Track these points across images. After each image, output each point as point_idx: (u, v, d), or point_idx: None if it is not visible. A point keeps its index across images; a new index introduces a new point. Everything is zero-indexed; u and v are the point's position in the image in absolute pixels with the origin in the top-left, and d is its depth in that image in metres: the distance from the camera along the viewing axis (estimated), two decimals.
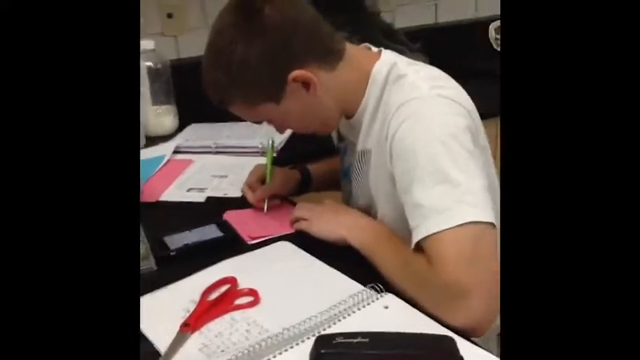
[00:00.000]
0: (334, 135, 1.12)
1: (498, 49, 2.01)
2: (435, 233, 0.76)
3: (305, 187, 1.18)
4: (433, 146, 0.79)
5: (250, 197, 1.10)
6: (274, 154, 1.16)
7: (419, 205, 0.78)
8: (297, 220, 1.00)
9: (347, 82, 0.92)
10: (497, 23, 2.05)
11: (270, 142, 1.14)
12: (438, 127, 0.81)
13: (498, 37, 2.01)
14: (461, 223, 0.74)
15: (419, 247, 0.79)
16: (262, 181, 1.12)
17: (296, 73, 0.87)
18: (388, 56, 0.94)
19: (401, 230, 0.85)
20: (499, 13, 2.12)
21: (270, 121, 0.96)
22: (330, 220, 0.95)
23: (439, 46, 1.71)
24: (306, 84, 0.89)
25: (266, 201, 1.09)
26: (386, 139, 0.86)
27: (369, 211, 0.98)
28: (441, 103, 0.84)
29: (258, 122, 0.98)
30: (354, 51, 0.94)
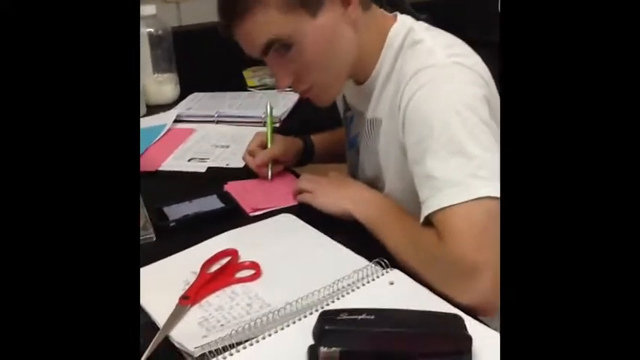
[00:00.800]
0: (340, 105, 1.09)
1: None
2: (446, 207, 0.73)
3: (308, 157, 1.16)
4: (449, 116, 0.76)
5: (251, 163, 1.08)
6: (277, 124, 1.13)
7: (431, 177, 0.76)
8: (300, 191, 0.98)
9: (367, 39, 0.88)
10: None
11: (269, 108, 1.12)
12: (455, 96, 0.78)
13: None
14: (474, 197, 0.72)
15: (428, 222, 0.76)
16: (263, 148, 1.09)
17: None
18: (405, 20, 0.90)
19: (409, 203, 0.83)
20: None
21: (287, 45, 0.83)
22: (334, 193, 0.93)
23: (445, 18, 1.68)
24: (345, 2, 0.84)
25: (269, 166, 1.06)
26: (399, 108, 0.83)
27: (375, 183, 0.95)
28: (459, 72, 0.81)
29: (266, 52, 0.85)
30: (375, 9, 0.90)
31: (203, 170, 1.16)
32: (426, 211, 0.76)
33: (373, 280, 0.75)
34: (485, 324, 0.69)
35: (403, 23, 0.89)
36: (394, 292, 0.73)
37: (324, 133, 1.19)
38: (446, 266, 0.72)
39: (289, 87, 0.91)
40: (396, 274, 0.76)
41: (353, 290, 0.73)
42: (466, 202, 0.72)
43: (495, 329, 0.68)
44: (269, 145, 1.08)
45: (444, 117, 0.77)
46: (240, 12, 0.82)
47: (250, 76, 1.73)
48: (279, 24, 0.81)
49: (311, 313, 0.69)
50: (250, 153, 1.09)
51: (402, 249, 0.79)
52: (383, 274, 0.76)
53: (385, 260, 0.77)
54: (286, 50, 0.84)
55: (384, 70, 0.89)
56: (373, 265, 0.77)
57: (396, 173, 0.89)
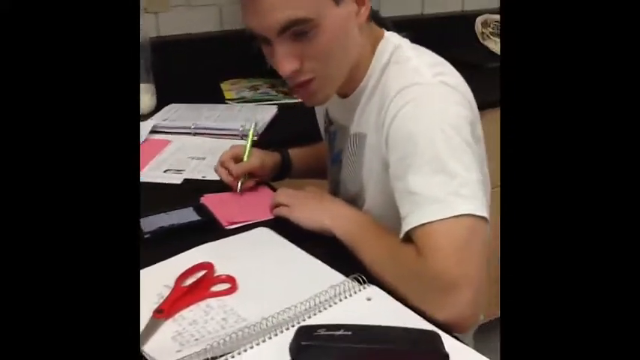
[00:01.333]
0: (321, 119, 1.09)
1: (484, 42, 2.01)
2: (427, 223, 0.73)
3: (285, 171, 1.15)
4: (433, 134, 0.77)
5: (222, 174, 1.06)
6: (254, 138, 1.13)
7: (413, 193, 0.76)
8: (277, 205, 0.97)
9: (363, 48, 0.89)
10: (484, 17, 2.04)
11: (254, 124, 1.11)
12: (439, 115, 0.79)
13: (484, 30, 2.01)
14: (456, 214, 0.72)
15: (407, 238, 0.76)
16: (236, 161, 1.07)
17: None
18: (392, 37, 0.91)
19: (389, 218, 0.83)
20: (485, 7, 2.13)
21: (305, 30, 0.80)
22: (311, 208, 0.92)
23: (425, 37, 1.70)
24: (359, 1, 0.84)
25: (240, 180, 1.05)
26: (383, 124, 0.83)
27: (357, 199, 0.95)
28: (444, 92, 0.81)
29: (283, 31, 0.80)
30: (371, 22, 0.91)
31: (179, 182, 1.15)
32: (406, 227, 0.76)
33: (350, 295, 0.75)
34: (460, 340, 0.69)
35: (391, 40, 0.90)
36: (371, 308, 0.73)
37: (302, 148, 1.19)
38: (424, 282, 0.72)
39: (288, 76, 0.86)
40: (373, 290, 0.76)
41: (330, 306, 0.73)
42: (447, 218, 0.72)
43: (467, 345, 0.68)
44: (245, 158, 1.07)
45: (429, 135, 0.77)
46: None
47: (228, 88, 1.73)
48: (307, 4, 0.79)
49: (287, 329, 0.68)
50: (222, 164, 1.08)
51: (379, 264, 0.79)
52: (360, 290, 0.75)
53: (362, 276, 0.77)
54: (302, 35, 0.81)
55: (370, 84, 0.89)
56: (350, 281, 0.77)
57: (377, 188, 0.89)
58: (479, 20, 2.04)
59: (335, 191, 1.04)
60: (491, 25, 2.02)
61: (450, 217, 0.72)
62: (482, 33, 2.02)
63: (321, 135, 1.13)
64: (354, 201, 0.94)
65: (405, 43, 0.90)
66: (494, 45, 1.98)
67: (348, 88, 0.92)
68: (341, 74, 0.88)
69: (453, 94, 0.82)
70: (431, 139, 0.77)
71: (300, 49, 0.82)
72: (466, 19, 2.07)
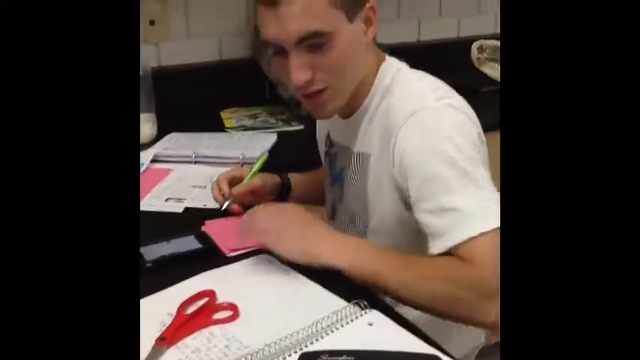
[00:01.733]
0: (322, 144, 1.10)
1: (480, 67, 2.03)
2: (474, 236, 0.77)
3: (284, 194, 1.16)
4: (448, 153, 0.81)
5: (215, 193, 1.08)
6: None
7: (451, 210, 0.79)
8: (255, 230, 0.89)
9: (367, 68, 0.92)
10: (480, 42, 2.07)
11: (266, 155, 1.13)
12: (452, 136, 0.82)
13: (480, 55, 2.03)
14: (496, 227, 0.76)
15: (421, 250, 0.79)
16: (232, 182, 1.09)
17: (373, 2, 0.87)
18: (393, 61, 0.94)
19: (397, 236, 0.85)
20: (481, 33, 2.16)
21: (321, 43, 0.83)
22: (299, 237, 0.86)
23: (421, 62, 1.72)
24: (368, 22, 0.88)
25: (228, 201, 1.06)
26: (393, 150, 0.86)
27: (357, 217, 0.96)
28: (450, 114, 0.85)
29: (300, 42, 0.83)
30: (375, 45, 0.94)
31: (180, 211, 1.16)
32: (450, 242, 0.79)
33: (352, 321, 0.75)
34: None
35: (392, 62, 0.94)
36: (373, 333, 0.73)
37: (301, 174, 1.20)
38: (472, 290, 0.76)
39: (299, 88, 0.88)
40: (374, 315, 0.76)
41: (332, 331, 0.73)
42: (490, 231, 0.76)
43: None
44: (247, 179, 1.08)
45: (449, 155, 0.81)
46: None
47: (228, 117, 1.74)
48: (325, 18, 0.83)
49: (290, 355, 0.68)
50: (217, 184, 1.09)
51: (413, 285, 0.80)
52: (362, 315, 0.76)
53: (364, 301, 0.77)
54: (317, 47, 0.84)
55: (373, 105, 0.92)
56: (352, 306, 0.77)
57: (387, 208, 0.91)
58: (475, 45, 2.06)
59: (333, 213, 1.05)
60: (487, 50, 2.05)
61: (492, 230, 0.76)
62: (478, 58, 2.04)
63: (320, 162, 1.14)
64: (355, 219, 0.96)
65: (404, 66, 0.93)
66: (490, 69, 2.00)
67: (351, 107, 0.94)
68: (350, 87, 0.91)
69: (460, 116, 0.86)
70: (452, 159, 0.80)
71: (313, 60, 0.85)
72: (462, 45, 2.09)
